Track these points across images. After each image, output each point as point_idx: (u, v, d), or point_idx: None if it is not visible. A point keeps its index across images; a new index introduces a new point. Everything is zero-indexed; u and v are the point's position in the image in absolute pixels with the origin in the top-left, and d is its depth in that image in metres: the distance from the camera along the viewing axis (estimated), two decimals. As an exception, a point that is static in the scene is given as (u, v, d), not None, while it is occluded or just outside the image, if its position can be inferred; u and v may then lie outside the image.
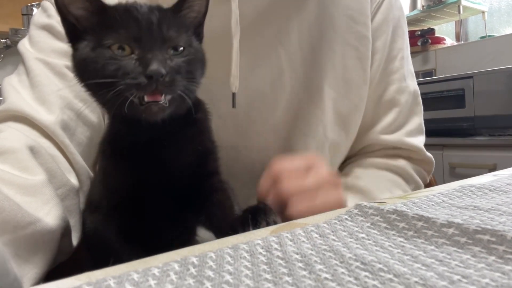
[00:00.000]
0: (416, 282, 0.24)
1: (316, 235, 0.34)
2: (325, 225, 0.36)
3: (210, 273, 0.27)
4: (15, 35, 1.92)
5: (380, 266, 0.26)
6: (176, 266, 0.28)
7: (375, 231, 0.34)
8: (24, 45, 0.58)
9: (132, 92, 0.39)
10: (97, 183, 0.50)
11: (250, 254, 0.30)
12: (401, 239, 0.32)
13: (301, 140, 0.66)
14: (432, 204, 0.41)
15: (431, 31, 2.70)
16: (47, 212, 0.42)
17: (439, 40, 2.68)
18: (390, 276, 0.25)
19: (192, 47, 0.44)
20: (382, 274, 0.25)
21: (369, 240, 0.33)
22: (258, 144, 0.64)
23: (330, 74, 0.65)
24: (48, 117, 0.50)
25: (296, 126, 0.66)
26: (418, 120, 0.74)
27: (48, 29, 0.59)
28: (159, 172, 0.45)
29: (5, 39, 1.94)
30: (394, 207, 0.38)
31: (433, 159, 0.75)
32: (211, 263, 0.28)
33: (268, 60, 0.62)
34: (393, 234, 0.33)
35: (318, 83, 0.65)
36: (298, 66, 0.63)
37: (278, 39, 0.62)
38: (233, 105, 0.57)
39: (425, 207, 0.40)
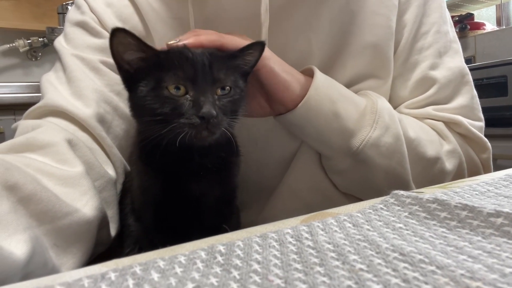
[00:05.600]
0: (462, 274, 0.22)
1: (349, 225, 0.32)
2: (358, 214, 0.34)
3: (238, 261, 0.26)
4: (52, 34, 1.99)
5: (421, 257, 0.24)
6: (203, 254, 0.27)
7: (414, 221, 0.32)
8: (60, 42, 0.60)
9: (185, 130, 0.42)
10: (137, 192, 0.51)
11: (280, 243, 0.29)
12: (443, 230, 0.30)
13: None
14: (476, 194, 0.38)
15: (470, 16, 2.56)
16: (85, 203, 0.43)
17: (478, 26, 2.53)
18: (433, 268, 0.23)
19: (237, 87, 0.47)
20: (423, 265, 0.23)
21: (407, 230, 0.30)
22: (284, 130, 0.64)
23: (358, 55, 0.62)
24: (85, 110, 0.52)
25: None
26: (463, 100, 0.64)
27: (82, 25, 0.60)
28: (188, 196, 0.48)
29: (42, 37, 2.01)
30: (434, 196, 0.35)
31: (487, 141, 0.65)
32: (239, 252, 0.27)
33: (296, 45, 0.60)
34: (434, 224, 0.31)
35: (344, 71, 0.62)
36: (327, 51, 0.61)
37: (308, 24, 0.60)
38: None
39: (468, 197, 0.37)
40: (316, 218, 0.34)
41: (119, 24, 0.59)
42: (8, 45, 1.97)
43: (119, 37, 0.43)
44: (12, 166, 0.37)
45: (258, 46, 0.48)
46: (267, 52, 0.51)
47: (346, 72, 0.61)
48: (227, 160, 0.49)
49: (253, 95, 0.55)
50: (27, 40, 1.99)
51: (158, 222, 0.49)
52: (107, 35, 0.56)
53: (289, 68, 0.54)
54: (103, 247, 0.49)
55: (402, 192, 0.37)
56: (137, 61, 0.44)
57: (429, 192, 0.38)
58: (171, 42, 0.47)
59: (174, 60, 0.44)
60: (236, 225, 0.54)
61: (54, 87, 0.54)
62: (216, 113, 0.42)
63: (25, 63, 2.08)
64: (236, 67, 0.48)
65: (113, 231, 0.50)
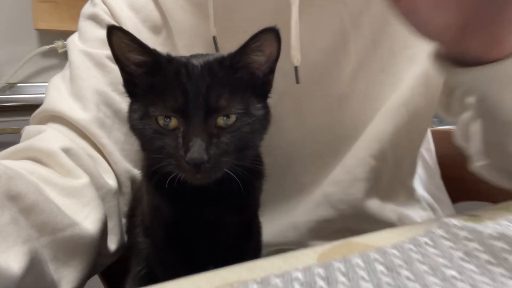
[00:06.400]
0: None
1: (381, 267, 0.24)
2: (394, 251, 0.26)
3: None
4: (88, 34, 2.01)
5: None
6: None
7: (472, 266, 0.24)
8: (71, 38, 0.58)
9: (176, 171, 0.37)
10: (147, 209, 0.47)
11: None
12: (517, 285, 0.21)
13: (370, 112, 0.56)
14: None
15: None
16: (86, 215, 0.42)
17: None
18: None
19: (249, 115, 0.38)
20: None
21: (462, 281, 0.22)
22: (319, 121, 0.56)
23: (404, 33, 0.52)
24: (84, 115, 0.49)
25: (365, 98, 0.56)
26: None
27: (93, 18, 0.57)
28: (201, 221, 0.42)
29: (79, 38, 2.04)
30: (498, 227, 0.26)
31: None
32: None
33: (329, 25, 0.53)
34: (502, 274, 0.22)
35: (390, 47, 0.54)
36: (365, 29, 0.54)
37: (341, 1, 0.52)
38: (297, 81, 0.50)
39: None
40: (337, 254, 0.27)
41: (131, 14, 0.56)
42: (47, 46, 2.01)
43: (118, 36, 0.38)
44: (16, 175, 0.36)
45: (268, 35, 0.37)
46: None
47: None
48: (248, 184, 0.41)
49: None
50: (65, 41, 2.03)
51: (169, 242, 0.44)
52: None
53: None
54: (109, 259, 0.48)
55: (453, 220, 0.28)
56: (139, 70, 0.39)
57: (491, 219, 0.29)
58: None
59: (169, 80, 0.37)
60: (256, 247, 0.49)
61: (56, 89, 0.52)
62: (209, 157, 0.35)
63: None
64: (247, 83, 0.38)
65: (114, 243, 0.48)
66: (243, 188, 0.38)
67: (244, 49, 0.38)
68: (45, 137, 0.46)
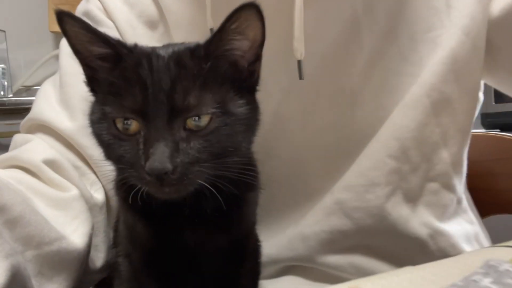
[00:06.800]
0: None
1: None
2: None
3: None
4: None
5: None
6: None
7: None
8: (64, 40, 0.56)
9: (138, 184, 0.31)
10: (122, 227, 0.42)
11: None
12: None
13: (386, 108, 0.49)
14: None
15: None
16: (75, 229, 0.41)
17: None
18: None
19: (227, 113, 0.31)
20: None
21: None
22: (328, 120, 0.50)
23: (425, 13, 0.47)
24: (70, 125, 0.47)
25: (380, 92, 0.49)
26: None
27: (86, 15, 0.54)
28: (181, 245, 0.37)
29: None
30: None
31: None
32: None
33: (338, 11, 0.47)
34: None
35: (409, 33, 0.48)
36: (379, 15, 0.48)
37: None
38: (300, 76, 0.45)
39: None
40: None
41: (126, 9, 0.52)
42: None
43: (71, 24, 0.32)
44: (3, 185, 0.35)
45: (248, 12, 0.30)
46: None
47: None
48: (238, 198, 0.35)
49: None
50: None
51: (147, 266, 0.39)
52: (109, 23, 0.52)
53: None
54: (95, 276, 0.46)
55: (506, 265, 0.22)
56: (103, 59, 0.33)
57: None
58: None
59: (128, 75, 0.31)
60: (252, 271, 0.43)
61: (44, 95, 0.50)
62: (175, 166, 0.29)
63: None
64: (226, 76, 0.32)
65: (99, 260, 0.46)
66: (229, 202, 0.33)
67: (221, 33, 0.31)
68: (30, 147, 0.45)
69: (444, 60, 0.46)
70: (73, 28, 0.32)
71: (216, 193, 0.31)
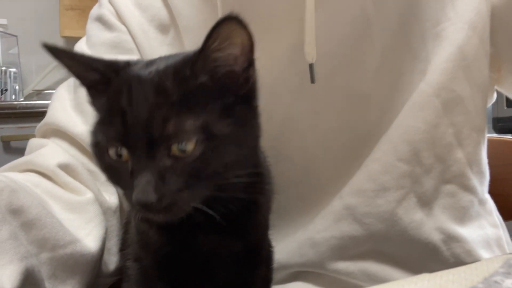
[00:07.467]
0: None
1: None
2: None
3: None
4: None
5: None
6: None
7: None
8: (79, 43, 0.56)
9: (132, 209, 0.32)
10: (132, 231, 0.42)
11: None
12: None
13: (396, 107, 0.48)
14: None
15: None
16: (89, 232, 0.41)
17: None
18: None
19: (212, 137, 0.29)
20: None
21: None
22: (339, 121, 0.49)
23: (434, 8, 0.46)
24: (84, 129, 0.47)
25: (392, 91, 0.48)
26: None
27: (99, 19, 0.55)
28: (194, 251, 0.37)
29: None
30: None
31: None
32: None
33: (348, 10, 0.47)
34: None
35: (420, 29, 0.47)
36: (390, 12, 0.47)
37: None
38: (312, 80, 0.45)
39: None
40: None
41: (138, 13, 0.52)
42: (74, 54, 2.06)
43: (59, 57, 0.32)
44: (20, 188, 0.36)
45: (228, 26, 0.29)
46: None
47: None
48: (249, 203, 0.34)
49: None
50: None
51: (159, 271, 0.39)
52: (121, 28, 0.52)
53: None
54: (107, 280, 0.46)
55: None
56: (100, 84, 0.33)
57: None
58: None
59: (111, 103, 0.30)
60: (265, 277, 0.43)
61: (59, 99, 0.51)
62: (161, 196, 0.28)
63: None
64: (219, 90, 0.30)
65: (112, 264, 0.46)
66: (240, 208, 0.33)
67: (204, 53, 0.30)
68: (45, 152, 0.45)
69: (452, 57, 0.45)
70: (64, 59, 0.32)
71: (213, 214, 0.30)
